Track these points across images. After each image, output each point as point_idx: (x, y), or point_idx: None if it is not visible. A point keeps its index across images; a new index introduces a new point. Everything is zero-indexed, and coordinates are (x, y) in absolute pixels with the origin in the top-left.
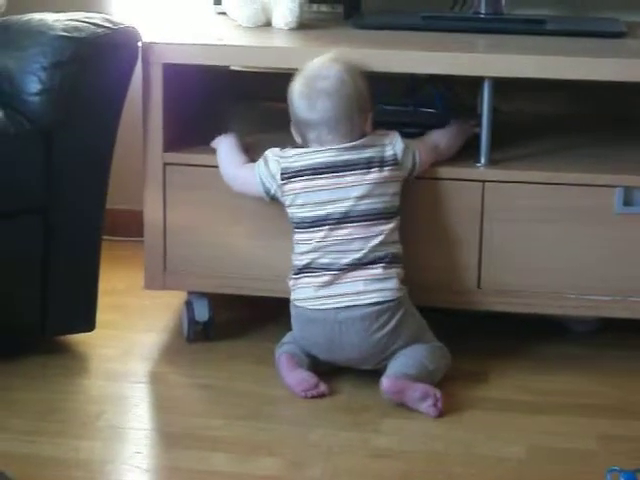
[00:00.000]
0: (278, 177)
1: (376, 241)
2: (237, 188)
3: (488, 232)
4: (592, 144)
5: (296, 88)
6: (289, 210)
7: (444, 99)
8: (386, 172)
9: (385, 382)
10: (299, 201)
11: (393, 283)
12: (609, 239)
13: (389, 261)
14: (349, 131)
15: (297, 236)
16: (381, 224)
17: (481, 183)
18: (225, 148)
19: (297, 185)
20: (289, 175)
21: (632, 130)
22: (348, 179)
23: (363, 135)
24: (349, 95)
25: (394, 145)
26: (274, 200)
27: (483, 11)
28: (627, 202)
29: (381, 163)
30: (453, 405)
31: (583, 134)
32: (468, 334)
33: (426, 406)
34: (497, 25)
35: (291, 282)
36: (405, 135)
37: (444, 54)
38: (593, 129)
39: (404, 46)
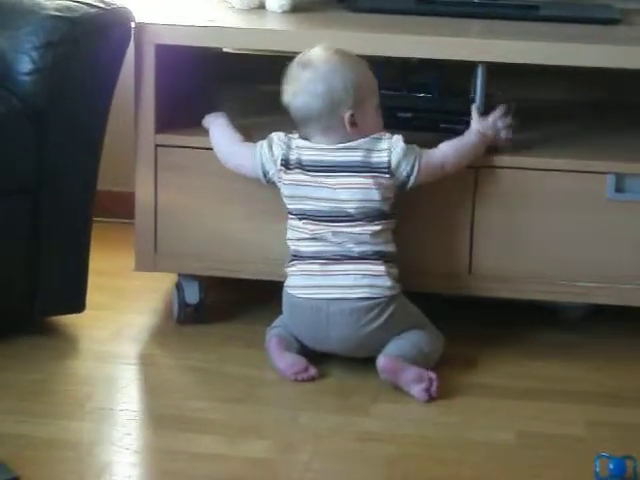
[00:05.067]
0: (278, 162)
1: (361, 239)
2: (233, 166)
3: (480, 217)
4: (584, 130)
5: (285, 79)
6: (282, 197)
7: (438, 84)
8: (374, 178)
9: (382, 360)
10: (286, 192)
11: (384, 280)
12: (600, 225)
13: (378, 258)
14: (323, 129)
15: (289, 221)
16: (364, 225)
17: (474, 169)
18: (219, 126)
19: (287, 176)
20: (285, 164)
21: (624, 116)
22: (332, 180)
23: (349, 135)
24: (318, 94)
25: (391, 152)
26: (270, 184)
27: None
28: (618, 188)
29: (370, 169)
30: (444, 390)
31: (575, 120)
32: (458, 320)
33: (418, 389)
34: (491, 10)
35: (287, 269)
36: (398, 120)
37: (437, 38)
38: (585, 115)
39: (398, 30)
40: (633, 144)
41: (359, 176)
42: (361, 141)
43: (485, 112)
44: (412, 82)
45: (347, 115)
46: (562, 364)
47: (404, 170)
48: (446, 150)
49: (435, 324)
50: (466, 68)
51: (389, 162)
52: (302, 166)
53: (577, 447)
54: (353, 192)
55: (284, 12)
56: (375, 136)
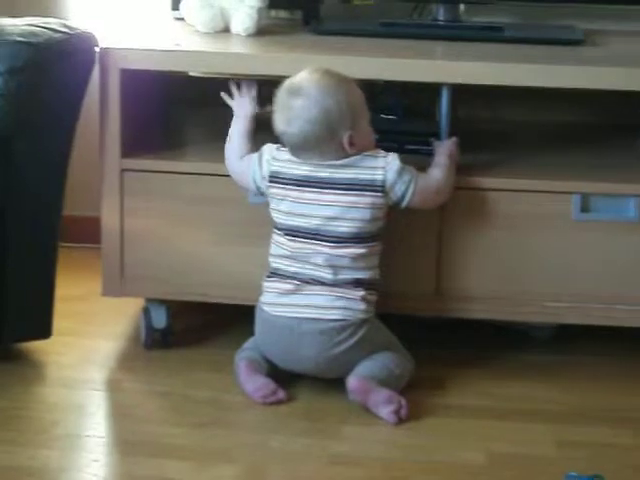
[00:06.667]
0: (266, 178)
1: (343, 263)
2: (235, 179)
3: (447, 238)
4: (550, 151)
5: (275, 107)
6: (270, 211)
7: (403, 106)
8: (366, 197)
9: (352, 381)
10: (274, 206)
11: (358, 304)
12: (567, 246)
13: (357, 285)
14: (321, 152)
15: (274, 236)
16: (349, 247)
17: None
18: (237, 130)
19: (276, 191)
20: (273, 179)
21: (588, 136)
22: (322, 197)
23: (345, 153)
24: (314, 120)
25: (387, 171)
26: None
27: (441, 18)
28: (584, 209)
29: (363, 187)
30: (413, 412)
31: (539, 141)
32: (426, 341)
33: (387, 412)
34: (455, 32)
35: (264, 282)
36: None
37: (402, 61)
38: (549, 136)
39: (363, 52)
40: (598, 164)
41: (351, 194)
42: (355, 158)
43: (450, 133)
44: (378, 104)
45: (346, 136)
46: (531, 384)
47: (399, 190)
48: (437, 174)
49: (404, 345)
50: (431, 90)
51: (384, 180)
52: (294, 181)
53: (547, 467)
54: (343, 210)
55: (249, 35)
56: (369, 154)
